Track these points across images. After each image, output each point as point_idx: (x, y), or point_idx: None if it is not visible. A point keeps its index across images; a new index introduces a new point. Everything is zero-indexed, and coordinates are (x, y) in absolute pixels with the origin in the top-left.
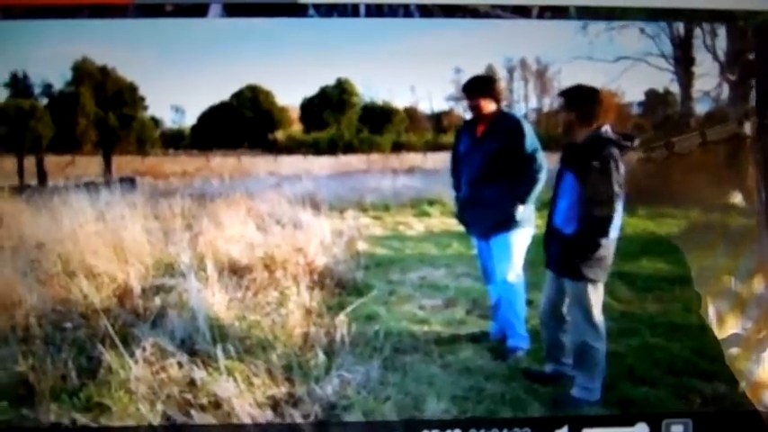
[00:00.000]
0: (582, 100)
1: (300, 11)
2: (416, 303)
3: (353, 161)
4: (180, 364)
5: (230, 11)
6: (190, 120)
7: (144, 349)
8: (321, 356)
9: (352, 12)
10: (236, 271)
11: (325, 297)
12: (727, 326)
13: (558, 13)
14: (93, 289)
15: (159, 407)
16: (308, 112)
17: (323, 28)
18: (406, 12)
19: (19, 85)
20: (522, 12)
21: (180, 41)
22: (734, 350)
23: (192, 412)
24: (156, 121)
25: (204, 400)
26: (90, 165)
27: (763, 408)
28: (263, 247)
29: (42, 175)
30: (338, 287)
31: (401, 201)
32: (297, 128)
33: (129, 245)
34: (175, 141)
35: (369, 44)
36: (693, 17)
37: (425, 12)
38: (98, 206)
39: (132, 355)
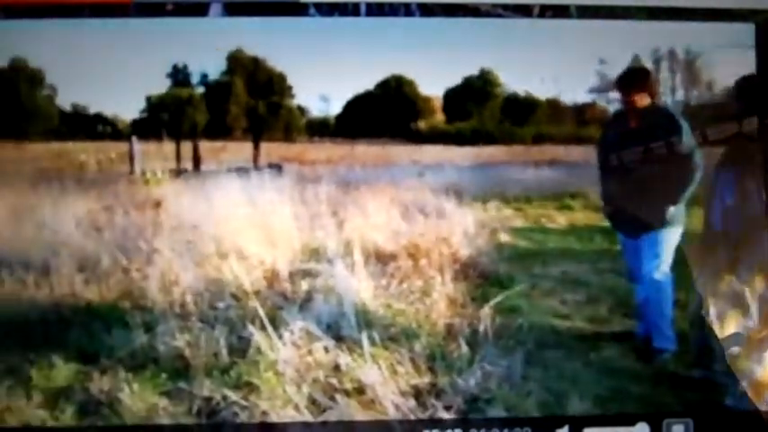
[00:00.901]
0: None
1: (301, 10)
2: (559, 298)
3: (495, 152)
4: (326, 349)
5: (230, 10)
6: (335, 108)
7: (292, 332)
8: (464, 348)
9: (353, 11)
10: (380, 258)
11: (469, 288)
12: (728, 325)
13: (559, 12)
14: (244, 271)
15: (305, 389)
16: (452, 103)
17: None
18: (407, 10)
19: (179, 75)
20: (524, 11)
21: (326, 33)
22: (735, 349)
23: (337, 397)
24: (302, 110)
25: (349, 386)
26: (240, 150)
27: (765, 407)
28: (408, 236)
29: (197, 160)
30: (481, 278)
31: (543, 193)
32: (440, 118)
33: (278, 229)
34: (321, 129)
35: (511, 36)
36: (694, 17)
37: (426, 10)
38: (248, 191)
39: (281, 337)
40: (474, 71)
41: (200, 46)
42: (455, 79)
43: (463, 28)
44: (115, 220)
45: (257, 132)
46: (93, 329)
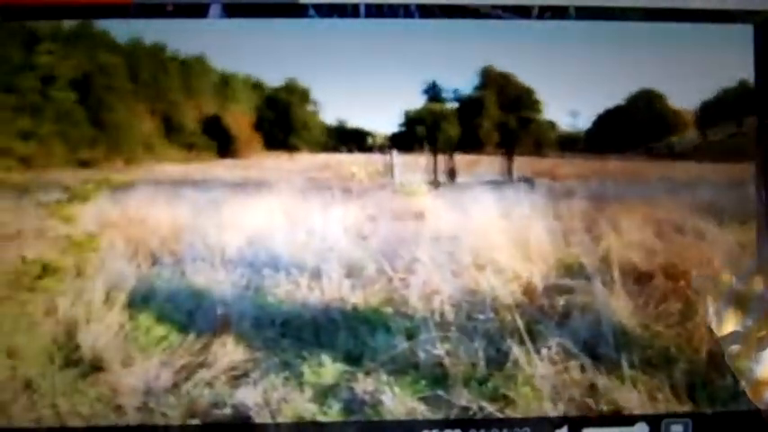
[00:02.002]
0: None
1: (300, 11)
2: None
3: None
4: (582, 367)
5: (229, 11)
6: (584, 123)
7: (549, 348)
8: (729, 378)
9: (352, 12)
10: (637, 277)
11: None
12: (727, 324)
13: (558, 13)
14: (500, 283)
15: (561, 407)
16: (705, 117)
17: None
18: (407, 12)
19: (433, 91)
20: (523, 12)
21: (573, 48)
22: (734, 348)
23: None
24: (552, 124)
25: (604, 407)
26: (492, 164)
27: (764, 406)
28: (664, 255)
29: (452, 173)
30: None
31: None
32: (692, 132)
33: (533, 243)
34: (571, 144)
35: None
36: (695, 17)
37: (426, 12)
38: (502, 204)
39: (538, 352)
40: (729, 83)
41: (451, 62)
42: (708, 92)
43: (716, 38)
44: (379, 229)
45: (509, 146)
46: (359, 332)
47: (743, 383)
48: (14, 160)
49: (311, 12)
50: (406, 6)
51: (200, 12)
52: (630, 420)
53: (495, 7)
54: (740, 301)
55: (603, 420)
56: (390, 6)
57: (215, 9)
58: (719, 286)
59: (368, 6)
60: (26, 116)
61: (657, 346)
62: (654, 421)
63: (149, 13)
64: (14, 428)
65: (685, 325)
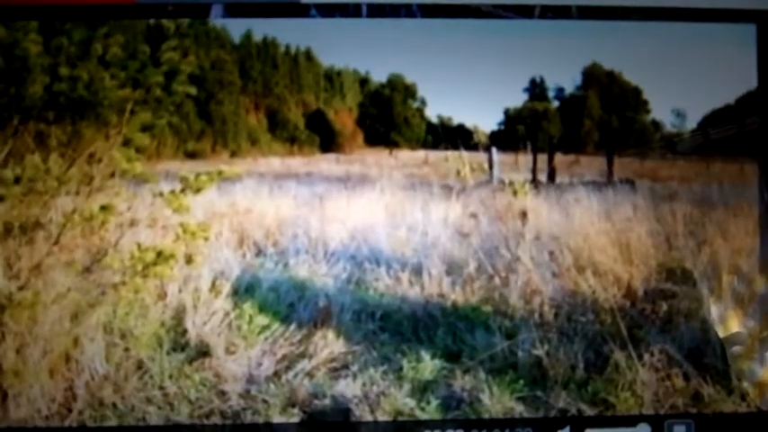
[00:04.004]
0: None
1: (302, 11)
2: None
3: None
4: (686, 376)
5: (231, 11)
6: (690, 124)
7: (652, 354)
8: None
9: (354, 12)
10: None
11: None
12: (729, 325)
13: (560, 13)
14: (600, 286)
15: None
16: None
17: None
18: (408, 12)
19: (536, 89)
20: (526, 12)
21: (682, 44)
22: (736, 349)
23: None
24: (657, 125)
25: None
26: (592, 164)
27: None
28: None
29: (552, 172)
30: None
31: None
32: None
33: (635, 246)
34: (674, 145)
35: None
36: (696, 17)
37: (427, 12)
38: (603, 205)
39: (640, 357)
40: None
41: (555, 60)
42: None
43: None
44: (480, 227)
45: (610, 147)
46: (458, 330)
47: (745, 384)
48: (133, 151)
49: (313, 12)
50: (408, 6)
51: (201, 12)
52: (633, 421)
53: (496, 7)
54: (742, 303)
55: (606, 421)
56: (392, 6)
57: (216, 10)
58: (722, 287)
59: (369, 6)
60: (148, 110)
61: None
62: (656, 422)
63: (151, 14)
64: (24, 428)
65: None
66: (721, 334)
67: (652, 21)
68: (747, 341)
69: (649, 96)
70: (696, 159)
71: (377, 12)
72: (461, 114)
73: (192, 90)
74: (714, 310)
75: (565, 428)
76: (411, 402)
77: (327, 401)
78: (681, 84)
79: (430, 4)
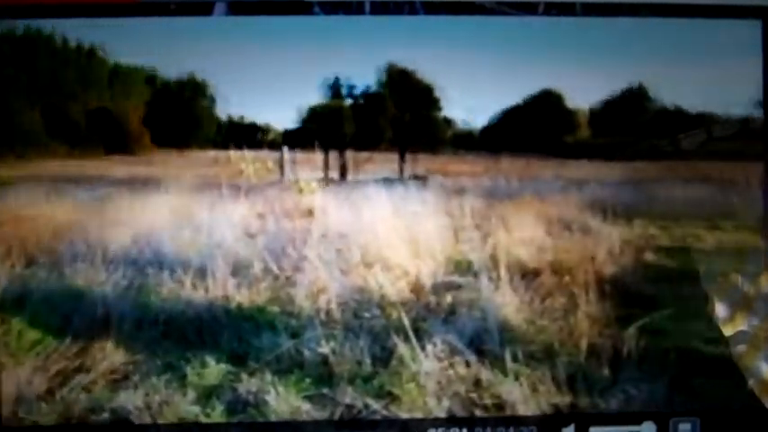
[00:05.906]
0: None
1: (305, 8)
2: (706, 321)
3: (644, 168)
4: (467, 363)
5: (234, 9)
6: (481, 122)
7: (435, 345)
8: (606, 369)
9: (357, 9)
10: (524, 274)
11: (614, 308)
12: (734, 323)
13: (564, 9)
14: (388, 281)
15: (445, 403)
16: (599, 117)
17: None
18: (411, 8)
19: (331, 87)
20: (528, 8)
21: (469, 44)
22: (741, 347)
23: (476, 412)
24: (448, 122)
25: (488, 401)
26: (386, 162)
27: None
28: (552, 252)
29: (344, 170)
30: (626, 298)
31: (691, 211)
32: (586, 132)
33: (422, 240)
34: (466, 142)
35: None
36: (699, 14)
37: (430, 8)
38: (393, 201)
39: (423, 349)
40: (624, 85)
41: (350, 58)
42: (603, 93)
43: (614, 38)
44: (267, 227)
45: (403, 144)
46: (243, 332)
47: (750, 382)
48: None
49: (316, 9)
50: (411, 3)
51: (204, 11)
52: (638, 418)
53: (500, 3)
54: (747, 301)
55: (610, 419)
56: (396, 3)
57: (220, 7)
58: (726, 286)
59: (373, 3)
60: None
61: (541, 341)
62: (662, 420)
63: (153, 13)
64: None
65: (568, 319)
66: (726, 333)
67: (652, 18)
68: (752, 340)
69: (441, 94)
70: (485, 155)
71: (380, 9)
72: (253, 113)
73: None
74: (719, 309)
75: (569, 427)
76: (195, 409)
77: (106, 415)
78: (471, 84)
79: (433, 2)
